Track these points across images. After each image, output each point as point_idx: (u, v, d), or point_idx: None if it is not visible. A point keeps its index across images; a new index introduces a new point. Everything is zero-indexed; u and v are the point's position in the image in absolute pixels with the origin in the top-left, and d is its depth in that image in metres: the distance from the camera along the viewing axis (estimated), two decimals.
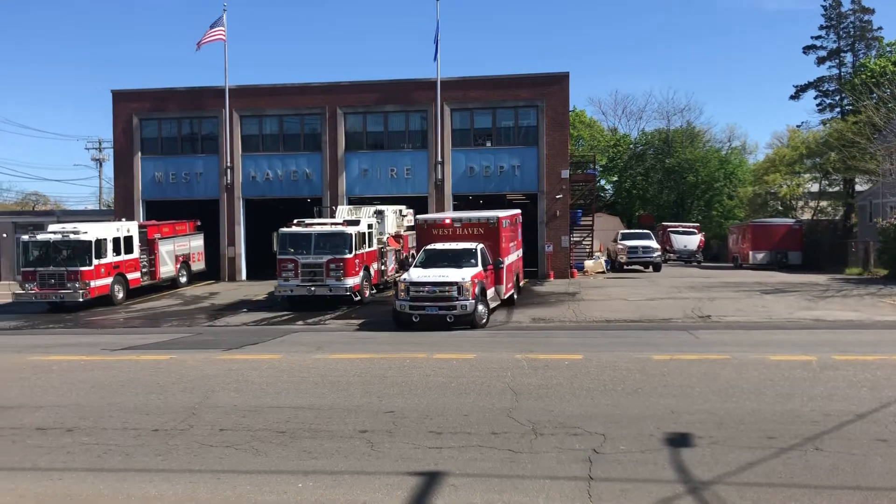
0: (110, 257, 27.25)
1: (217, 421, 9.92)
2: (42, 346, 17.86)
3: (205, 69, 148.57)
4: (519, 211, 26.82)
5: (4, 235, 38.87)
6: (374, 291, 27.13)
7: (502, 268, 22.03)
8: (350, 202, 34.62)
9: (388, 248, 28.87)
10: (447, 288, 19.35)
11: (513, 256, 24.09)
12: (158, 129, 37.71)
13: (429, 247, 21.88)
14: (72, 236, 26.36)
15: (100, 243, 26.67)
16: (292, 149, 36.86)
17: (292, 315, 23.39)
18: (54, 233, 26.83)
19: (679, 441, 8.64)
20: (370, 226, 26.84)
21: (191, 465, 8.17)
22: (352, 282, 24.61)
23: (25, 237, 26.90)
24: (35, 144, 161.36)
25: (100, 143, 67.95)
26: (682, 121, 74.87)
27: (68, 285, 25.79)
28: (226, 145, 36.46)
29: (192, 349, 16.80)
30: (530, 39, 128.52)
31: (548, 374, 12.45)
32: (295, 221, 25.87)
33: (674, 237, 50.11)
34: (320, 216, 29.80)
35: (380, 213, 28.93)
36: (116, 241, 27.76)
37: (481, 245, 21.62)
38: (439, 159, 35.20)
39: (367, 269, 26.00)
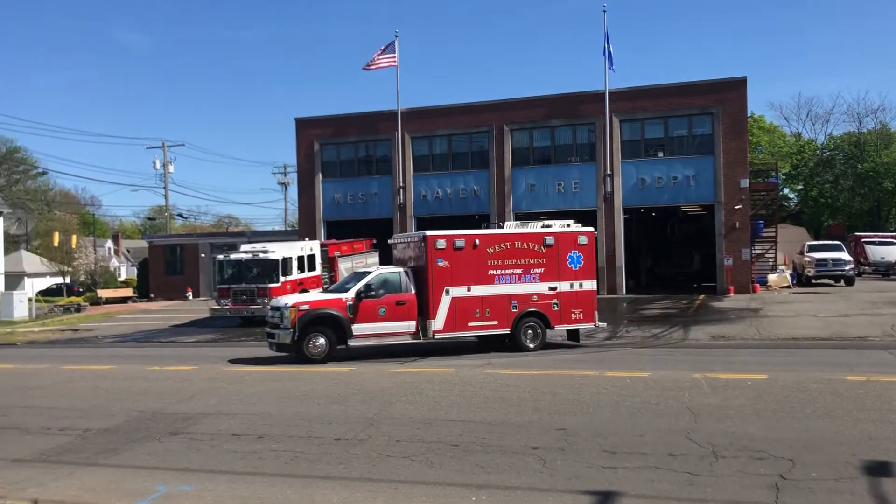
0: (295, 274, 28.98)
1: (393, 432, 10.24)
2: (236, 359, 19.24)
3: (378, 95, 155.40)
4: (563, 229, 20.16)
5: (203, 255, 42.40)
6: None
7: (427, 297, 18.20)
8: (517, 218, 34.72)
9: None
10: (274, 314, 18.19)
11: (502, 287, 18.55)
12: (337, 153, 39.83)
13: (358, 269, 20.32)
14: (261, 255, 28.30)
15: (286, 261, 28.44)
16: (461, 167, 37.64)
17: None
18: (245, 252, 28.92)
19: (879, 470, 7.91)
20: None
21: (370, 474, 8.48)
22: None
23: (220, 257, 29.19)
24: (229, 171, 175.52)
25: (285, 168, 72.70)
26: (876, 122, 69.10)
27: (258, 301, 27.65)
28: (398, 166, 37.85)
29: (369, 361, 17.48)
30: (703, 46, 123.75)
31: (729, 395, 11.83)
32: None
33: (869, 248, 46.16)
34: None
35: (548, 228, 28.76)
36: (301, 259, 29.51)
37: (385, 270, 19.08)
38: (608, 172, 34.61)
39: None
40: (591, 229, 20.12)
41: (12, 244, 72.04)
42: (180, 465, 9.14)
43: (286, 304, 17.94)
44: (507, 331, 18.67)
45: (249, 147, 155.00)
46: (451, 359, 17.57)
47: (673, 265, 42.88)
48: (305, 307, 17.96)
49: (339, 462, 8.98)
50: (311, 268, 30.30)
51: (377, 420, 11.03)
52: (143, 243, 61.25)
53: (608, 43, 34.52)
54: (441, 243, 18.38)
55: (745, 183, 33.45)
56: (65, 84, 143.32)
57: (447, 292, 18.28)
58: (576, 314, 19.17)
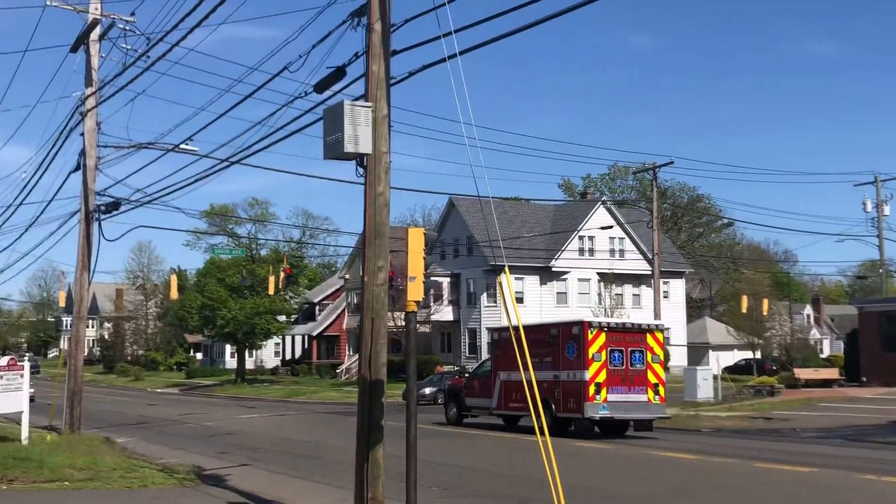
0: None
1: None
2: None
3: None
4: (562, 320, 26.36)
5: None
6: None
7: None
8: None
9: None
10: None
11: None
12: None
13: None
14: None
15: None
16: None
17: None
18: None
19: None
20: None
21: None
22: None
23: None
24: None
25: None
26: None
27: None
28: None
29: None
30: None
31: None
32: None
33: None
34: None
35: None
36: None
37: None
38: None
39: None
40: (583, 319, 21.57)
41: (695, 309, 68.15)
42: None
43: None
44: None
45: None
46: None
47: None
48: (449, 383, 27.74)
49: None
50: None
51: None
52: (852, 309, 52.24)
53: None
54: (495, 336, 25.67)
55: None
56: (738, 119, 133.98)
57: (498, 376, 23.17)
58: (570, 403, 20.65)
